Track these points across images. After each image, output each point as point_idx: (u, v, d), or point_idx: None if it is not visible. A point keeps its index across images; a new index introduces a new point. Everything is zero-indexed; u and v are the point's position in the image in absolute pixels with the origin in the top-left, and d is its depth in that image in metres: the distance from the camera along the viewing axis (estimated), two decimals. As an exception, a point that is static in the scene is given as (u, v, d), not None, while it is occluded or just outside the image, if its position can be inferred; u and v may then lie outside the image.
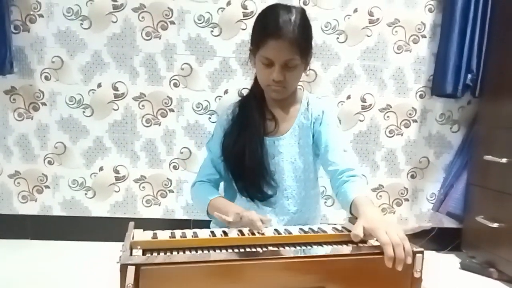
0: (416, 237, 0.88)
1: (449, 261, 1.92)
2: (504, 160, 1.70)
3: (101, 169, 1.95)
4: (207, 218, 1.41)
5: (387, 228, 0.86)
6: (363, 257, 0.85)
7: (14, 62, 1.81)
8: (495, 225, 1.71)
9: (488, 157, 1.78)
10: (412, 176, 2.06)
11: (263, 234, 0.98)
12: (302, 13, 1.21)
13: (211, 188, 1.33)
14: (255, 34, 1.24)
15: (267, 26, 1.18)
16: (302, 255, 0.84)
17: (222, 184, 1.45)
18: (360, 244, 0.91)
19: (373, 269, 0.84)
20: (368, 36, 1.96)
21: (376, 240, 0.88)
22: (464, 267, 1.83)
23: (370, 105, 2.00)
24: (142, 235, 0.92)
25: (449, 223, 2.06)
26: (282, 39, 1.15)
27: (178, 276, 0.75)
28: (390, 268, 0.81)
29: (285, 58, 1.18)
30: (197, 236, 0.94)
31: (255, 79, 1.32)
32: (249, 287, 0.78)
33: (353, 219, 1.07)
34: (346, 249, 0.88)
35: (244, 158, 1.27)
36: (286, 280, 0.80)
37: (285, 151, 1.31)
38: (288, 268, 0.80)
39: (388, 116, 2.01)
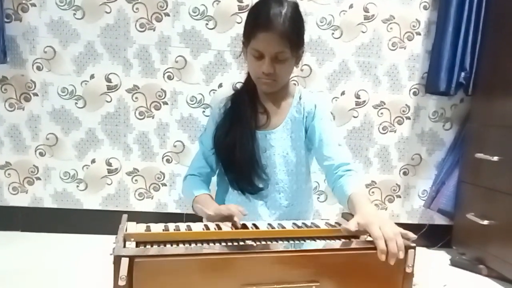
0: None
1: (439, 257, 1.94)
2: (495, 158, 1.71)
3: (93, 161, 1.94)
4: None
5: (380, 223, 0.87)
6: (356, 252, 0.85)
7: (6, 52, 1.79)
8: (485, 222, 1.73)
9: (480, 155, 1.79)
10: (405, 173, 2.07)
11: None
12: (294, 7, 1.21)
13: (200, 183, 1.33)
14: (247, 26, 1.24)
15: (257, 19, 1.19)
16: (294, 249, 0.84)
17: (215, 178, 1.45)
18: (353, 239, 0.92)
19: (366, 264, 0.84)
20: (363, 32, 1.96)
21: (369, 235, 0.88)
22: (454, 263, 1.85)
23: (364, 101, 2.00)
24: (135, 228, 0.92)
25: (440, 220, 2.08)
26: (272, 31, 1.15)
27: (171, 268, 0.75)
28: (382, 263, 0.81)
29: (275, 51, 1.18)
30: (191, 229, 0.94)
31: (248, 73, 1.32)
32: (242, 281, 0.78)
33: (346, 214, 1.08)
34: (339, 243, 0.89)
35: (235, 151, 1.27)
36: (279, 274, 0.80)
37: (277, 144, 1.31)
38: (281, 262, 0.80)
39: (381, 113, 2.02)
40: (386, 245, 0.82)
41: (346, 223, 0.92)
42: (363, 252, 0.85)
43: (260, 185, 1.30)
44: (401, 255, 0.82)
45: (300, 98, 1.33)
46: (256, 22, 1.18)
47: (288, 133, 1.32)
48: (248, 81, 1.34)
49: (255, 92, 1.34)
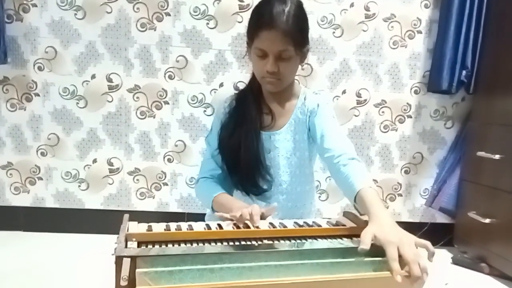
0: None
1: (441, 256, 1.94)
2: (497, 157, 1.71)
3: (94, 161, 1.94)
4: (201, 211, 1.42)
5: (400, 243, 0.82)
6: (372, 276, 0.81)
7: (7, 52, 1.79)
8: (487, 220, 1.73)
9: (481, 153, 1.79)
10: (406, 172, 2.07)
11: (257, 227, 0.98)
12: (298, 5, 1.20)
13: (214, 185, 1.30)
14: (250, 26, 1.24)
15: (260, 18, 1.18)
16: (297, 248, 0.83)
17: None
18: (355, 239, 0.91)
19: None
20: (364, 31, 1.95)
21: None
22: (455, 262, 1.85)
23: (365, 100, 2.00)
24: (137, 228, 0.92)
25: (442, 219, 2.08)
26: (275, 29, 1.14)
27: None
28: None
29: (278, 49, 1.17)
30: (192, 229, 0.94)
31: (253, 73, 1.32)
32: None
33: (348, 213, 1.07)
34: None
35: (239, 152, 1.27)
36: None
37: (281, 146, 1.31)
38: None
39: (383, 112, 2.02)
40: (404, 265, 0.78)
41: (362, 238, 0.84)
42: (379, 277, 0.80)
43: (264, 186, 1.29)
44: (425, 277, 0.79)
45: (305, 99, 1.32)
46: (259, 21, 1.18)
47: (292, 134, 1.31)
48: (253, 81, 1.33)
49: (260, 93, 1.33)
